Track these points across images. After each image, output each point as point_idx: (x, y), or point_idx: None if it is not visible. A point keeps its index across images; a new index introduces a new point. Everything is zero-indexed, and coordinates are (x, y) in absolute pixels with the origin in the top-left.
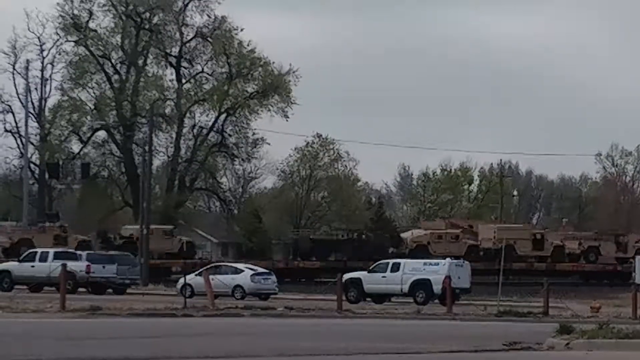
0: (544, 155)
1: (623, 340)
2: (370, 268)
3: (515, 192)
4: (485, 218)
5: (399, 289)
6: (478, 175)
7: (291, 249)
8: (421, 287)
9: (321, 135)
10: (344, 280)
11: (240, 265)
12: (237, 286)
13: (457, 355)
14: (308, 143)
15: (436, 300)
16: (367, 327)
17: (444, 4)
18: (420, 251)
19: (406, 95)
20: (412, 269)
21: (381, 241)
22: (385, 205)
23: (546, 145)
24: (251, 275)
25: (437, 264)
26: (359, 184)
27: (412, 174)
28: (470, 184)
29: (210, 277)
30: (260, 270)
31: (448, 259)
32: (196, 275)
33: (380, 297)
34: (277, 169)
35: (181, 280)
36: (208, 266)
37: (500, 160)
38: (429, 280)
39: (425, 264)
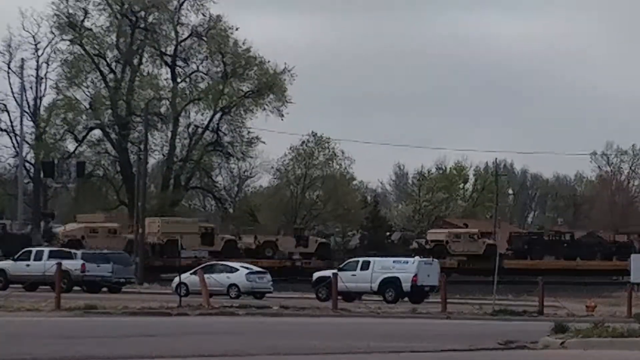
0: (539, 154)
1: (618, 339)
2: (340, 266)
3: (510, 191)
4: (480, 217)
5: (368, 287)
6: (473, 174)
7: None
8: (390, 285)
9: (316, 134)
10: (313, 278)
11: (235, 264)
12: (232, 285)
13: (452, 354)
14: (303, 142)
15: (405, 299)
16: (362, 325)
17: (442, 4)
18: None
19: (401, 94)
20: (381, 267)
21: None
22: (381, 204)
23: (541, 144)
24: (246, 274)
25: (407, 262)
26: (354, 182)
27: (407, 173)
28: (465, 183)
29: (205, 275)
30: (256, 269)
31: (417, 257)
32: (191, 274)
33: (350, 296)
34: (273, 167)
35: (176, 279)
36: (203, 265)
37: (496, 159)
38: (398, 278)
39: (394, 262)
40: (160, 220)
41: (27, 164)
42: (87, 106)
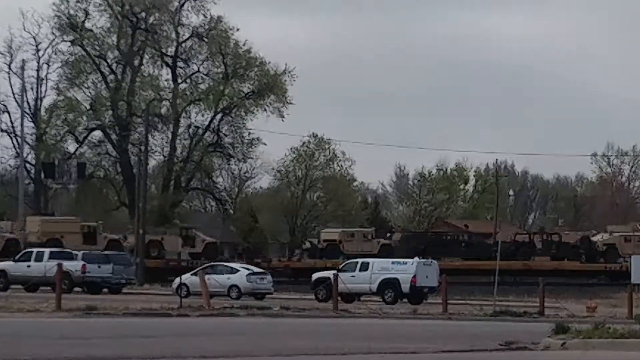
0: (539, 155)
1: (619, 340)
2: (340, 267)
3: (511, 192)
4: (481, 218)
5: (367, 288)
6: (474, 175)
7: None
8: (389, 286)
9: (317, 135)
10: (313, 279)
11: (236, 265)
12: (233, 286)
13: (453, 354)
14: (304, 143)
15: (404, 300)
16: (363, 326)
17: (442, 4)
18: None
19: (402, 95)
20: (380, 268)
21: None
22: (381, 205)
23: (542, 145)
24: (247, 275)
25: (405, 263)
26: (355, 183)
27: (408, 174)
28: (466, 184)
29: (206, 276)
30: (256, 270)
31: (416, 258)
32: (192, 275)
33: (350, 297)
34: (273, 168)
35: (177, 280)
36: (204, 266)
37: (496, 160)
38: (397, 279)
39: (393, 263)
40: (41, 220)
41: (27, 165)
42: (88, 107)
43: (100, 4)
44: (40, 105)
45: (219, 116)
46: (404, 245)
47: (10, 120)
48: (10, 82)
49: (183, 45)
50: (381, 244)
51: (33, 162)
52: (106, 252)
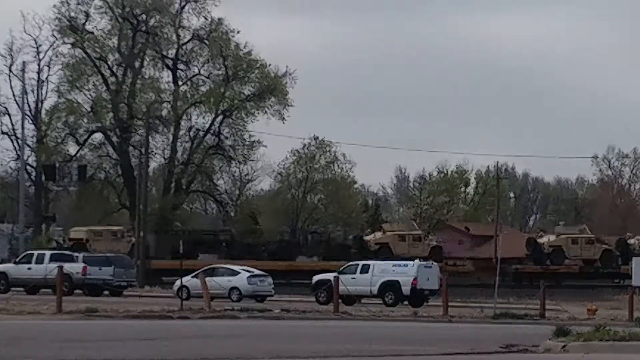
0: (540, 158)
1: (619, 342)
2: (340, 269)
3: (511, 194)
4: (482, 220)
5: (368, 291)
6: (475, 178)
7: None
8: (390, 288)
9: (318, 138)
10: (313, 281)
11: (236, 267)
12: (234, 288)
13: (453, 357)
14: (305, 145)
15: (405, 302)
16: (363, 329)
17: (442, 6)
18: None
19: (403, 97)
20: (381, 270)
21: None
22: (382, 207)
23: (543, 148)
24: (247, 277)
25: (406, 265)
26: (356, 186)
27: (408, 176)
28: (466, 186)
29: (207, 279)
30: (257, 272)
31: (417, 261)
32: (192, 277)
33: (350, 299)
34: (274, 171)
35: (177, 282)
36: (204, 268)
37: (497, 162)
38: (398, 281)
39: (394, 265)
40: None
41: (28, 167)
42: (89, 109)
43: (100, 7)
44: (41, 108)
45: (219, 118)
46: (163, 243)
47: (11, 123)
48: (11, 84)
49: (184, 47)
50: (131, 243)
51: (34, 164)
52: (107, 254)
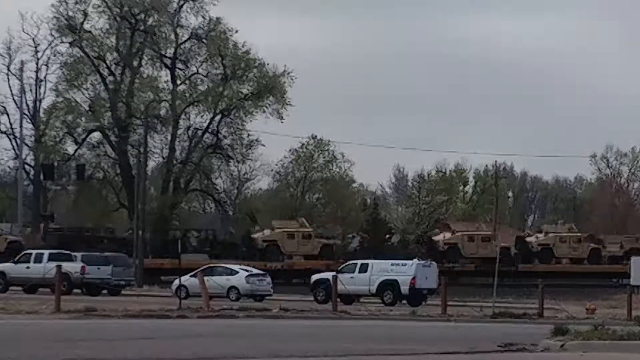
0: (539, 157)
1: (618, 341)
2: (339, 269)
3: (510, 194)
4: (480, 219)
5: (367, 290)
6: (473, 177)
7: None
8: (389, 287)
9: (316, 137)
10: (312, 281)
11: (235, 267)
12: (232, 287)
13: (452, 356)
14: (303, 144)
15: (404, 301)
16: (362, 328)
17: (442, 5)
18: None
19: (401, 96)
20: (380, 269)
21: None
22: (380, 206)
23: (541, 147)
24: (246, 277)
25: (405, 264)
26: (354, 185)
27: (407, 175)
28: (465, 186)
29: (205, 278)
30: (255, 271)
31: (415, 260)
32: (191, 276)
33: (349, 298)
34: (272, 170)
35: (176, 282)
36: (203, 267)
37: (495, 161)
38: (396, 281)
39: (392, 264)
40: None
41: (26, 167)
42: (87, 108)
43: (99, 6)
44: (39, 107)
45: (218, 117)
46: (51, 242)
47: (10, 122)
48: (9, 83)
49: (182, 46)
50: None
51: (32, 163)
52: (106, 253)
